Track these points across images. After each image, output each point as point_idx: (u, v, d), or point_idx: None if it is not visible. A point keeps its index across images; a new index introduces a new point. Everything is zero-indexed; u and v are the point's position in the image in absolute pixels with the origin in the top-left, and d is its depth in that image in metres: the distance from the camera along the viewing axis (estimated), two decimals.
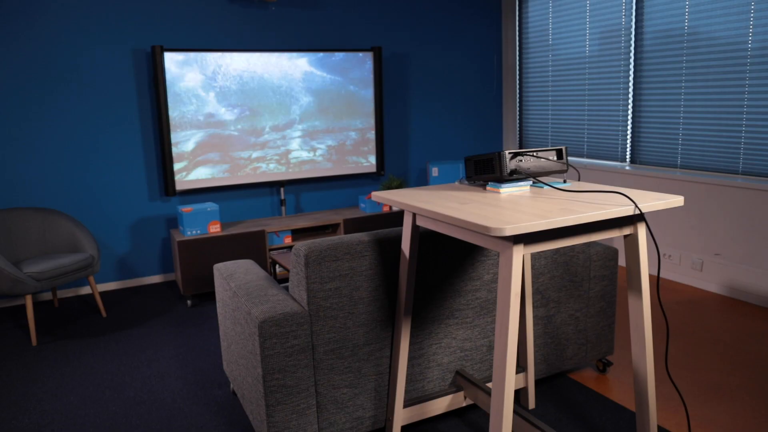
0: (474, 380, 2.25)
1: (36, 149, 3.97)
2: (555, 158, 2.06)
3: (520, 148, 5.65)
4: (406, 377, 2.24)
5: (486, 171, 2.03)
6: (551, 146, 5.25)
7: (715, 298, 3.72)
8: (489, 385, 2.39)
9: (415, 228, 1.99)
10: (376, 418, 2.20)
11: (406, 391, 2.25)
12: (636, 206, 1.69)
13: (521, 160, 1.99)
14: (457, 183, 2.25)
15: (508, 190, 2.00)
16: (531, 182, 2.08)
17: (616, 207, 1.67)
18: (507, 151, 1.95)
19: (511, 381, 1.57)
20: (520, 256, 1.53)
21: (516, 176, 1.98)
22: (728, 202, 3.72)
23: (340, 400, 2.11)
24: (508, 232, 1.49)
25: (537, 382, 2.71)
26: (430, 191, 2.08)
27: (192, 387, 2.77)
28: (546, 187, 2.06)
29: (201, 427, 2.43)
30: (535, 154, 2.02)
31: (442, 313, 2.25)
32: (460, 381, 2.33)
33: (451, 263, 2.22)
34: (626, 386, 2.65)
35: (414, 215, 1.96)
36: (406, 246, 2.02)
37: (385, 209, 4.68)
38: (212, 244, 3.97)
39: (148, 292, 4.22)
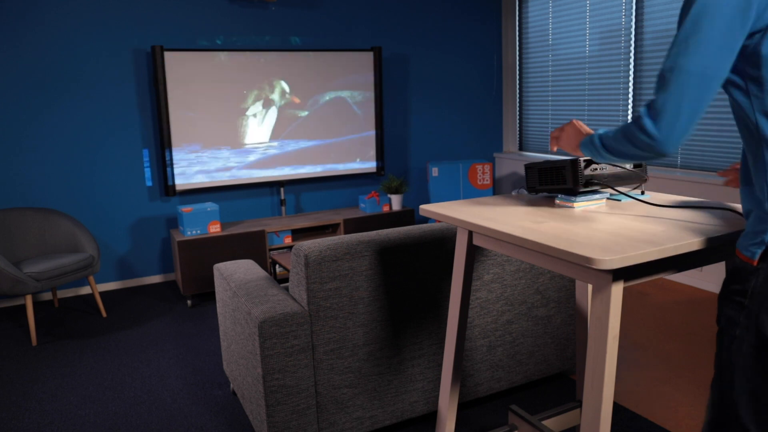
0: (531, 420, 2.03)
1: (36, 149, 3.97)
2: (632, 166, 1.79)
3: (520, 148, 5.65)
4: (406, 377, 2.24)
5: (554, 181, 1.73)
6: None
7: (715, 299, 3.71)
8: (546, 423, 2.16)
9: (470, 248, 1.69)
10: (376, 418, 2.20)
11: (405, 391, 2.25)
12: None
13: (596, 168, 1.70)
14: (514, 194, 1.96)
15: (582, 204, 1.68)
16: (608, 195, 1.80)
17: (729, 227, 1.36)
18: (581, 158, 1.62)
19: None
20: (620, 292, 1.24)
21: (589, 188, 1.69)
22: (728, 201, 3.72)
23: (340, 400, 2.11)
24: (616, 264, 1.15)
25: (537, 382, 2.71)
26: (487, 206, 1.76)
27: (192, 387, 2.77)
28: (626, 200, 1.75)
29: (201, 427, 2.43)
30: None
31: (441, 313, 2.25)
32: (514, 420, 2.09)
33: (450, 263, 2.22)
34: (626, 386, 2.65)
35: (470, 233, 1.65)
36: (459, 269, 1.72)
37: (385, 209, 4.68)
38: (212, 244, 3.97)
39: (148, 292, 4.22)
